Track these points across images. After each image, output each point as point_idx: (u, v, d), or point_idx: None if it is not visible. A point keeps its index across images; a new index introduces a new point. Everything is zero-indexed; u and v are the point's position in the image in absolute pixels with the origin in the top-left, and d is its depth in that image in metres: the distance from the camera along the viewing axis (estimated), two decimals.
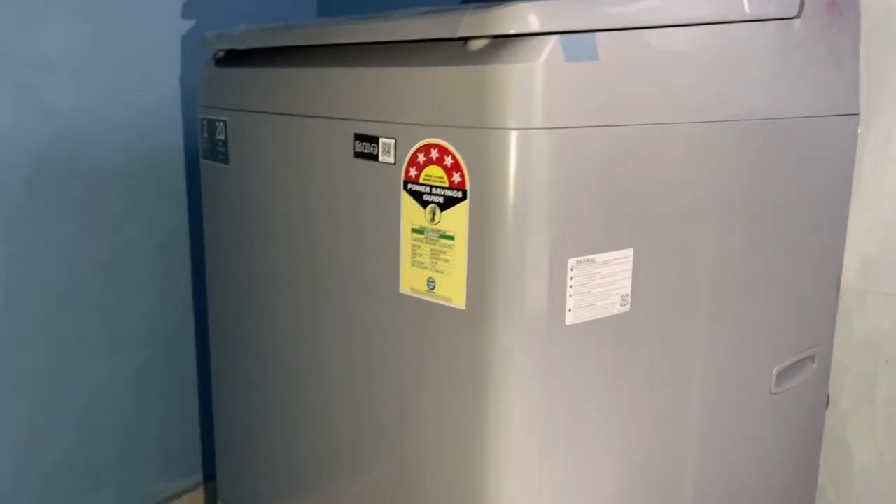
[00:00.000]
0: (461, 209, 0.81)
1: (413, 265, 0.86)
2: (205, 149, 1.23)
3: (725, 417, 1.06)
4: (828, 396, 1.47)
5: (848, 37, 1.14)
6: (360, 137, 0.89)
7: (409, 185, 0.85)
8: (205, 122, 1.21)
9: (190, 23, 1.57)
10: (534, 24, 0.77)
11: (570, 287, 0.83)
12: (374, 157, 0.88)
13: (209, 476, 1.72)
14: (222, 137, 1.15)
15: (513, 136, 0.77)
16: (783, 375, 1.15)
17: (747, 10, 0.94)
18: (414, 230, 0.86)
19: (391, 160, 0.86)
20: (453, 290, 0.83)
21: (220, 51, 1.21)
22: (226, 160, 1.15)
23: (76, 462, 1.50)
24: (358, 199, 0.92)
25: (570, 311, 0.83)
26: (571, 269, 0.83)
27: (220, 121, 1.15)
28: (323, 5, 1.89)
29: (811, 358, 1.22)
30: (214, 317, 1.28)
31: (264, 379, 1.15)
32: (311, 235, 1.00)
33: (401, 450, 0.93)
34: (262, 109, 1.05)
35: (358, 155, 0.90)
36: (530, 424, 0.84)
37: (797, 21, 1.02)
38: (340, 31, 0.92)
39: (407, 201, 0.86)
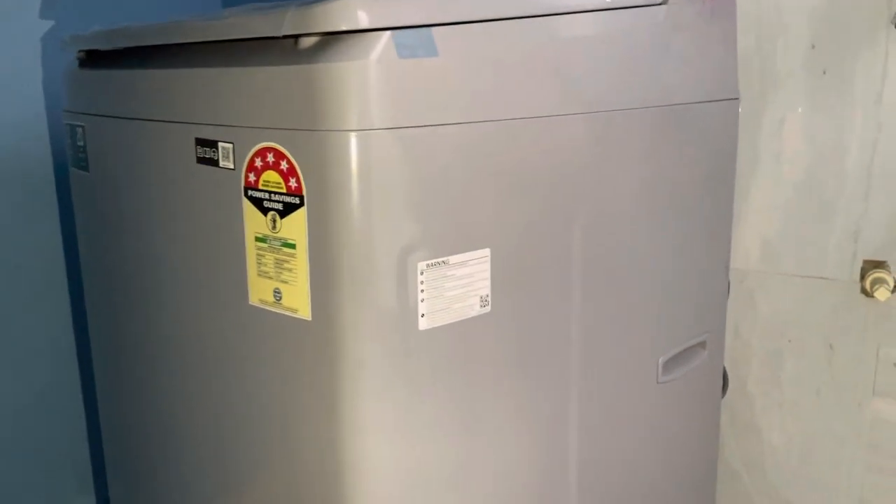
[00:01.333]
0: (300, 216, 0.77)
1: (259, 275, 0.82)
2: (70, 155, 1.17)
3: (609, 413, 1.04)
4: (725, 380, 1.47)
5: (722, 23, 1.13)
6: (200, 142, 0.85)
7: (250, 192, 0.81)
8: (68, 127, 1.15)
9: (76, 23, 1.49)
10: (363, 20, 0.73)
11: (422, 291, 0.80)
12: (216, 163, 0.84)
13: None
14: (82, 143, 1.10)
15: (347, 138, 0.73)
16: (671, 364, 1.14)
17: None
18: (257, 239, 0.81)
19: (231, 165, 0.82)
20: (298, 301, 0.79)
21: (80, 52, 1.15)
22: (86, 167, 1.09)
23: None
24: (204, 208, 0.88)
25: (423, 316, 0.80)
26: (422, 273, 0.79)
27: (79, 126, 1.10)
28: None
29: (702, 344, 1.21)
30: (93, 329, 1.22)
31: (138, 390, 1.10)
32: (164, 246, 0.96)
33: (262, 463, 0.90)
34: (114, 114, 1.00)
35: (200, 160, 0.86)
36: (389, 434, 0.81)
37: (663, 8, 1.00)
38: (177, 30, 0.87)
39: (248, 208, 0.82)
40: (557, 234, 0.92)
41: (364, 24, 0.73)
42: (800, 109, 1.42)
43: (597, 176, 0.95)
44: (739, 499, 1.64)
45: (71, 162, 1.18)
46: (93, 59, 1.12)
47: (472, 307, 0.84)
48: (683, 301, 1.15)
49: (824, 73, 1.38)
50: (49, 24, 1.47)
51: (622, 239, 1.01)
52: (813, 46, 1.38)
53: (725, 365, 1.57)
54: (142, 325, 1.05)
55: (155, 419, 1.08)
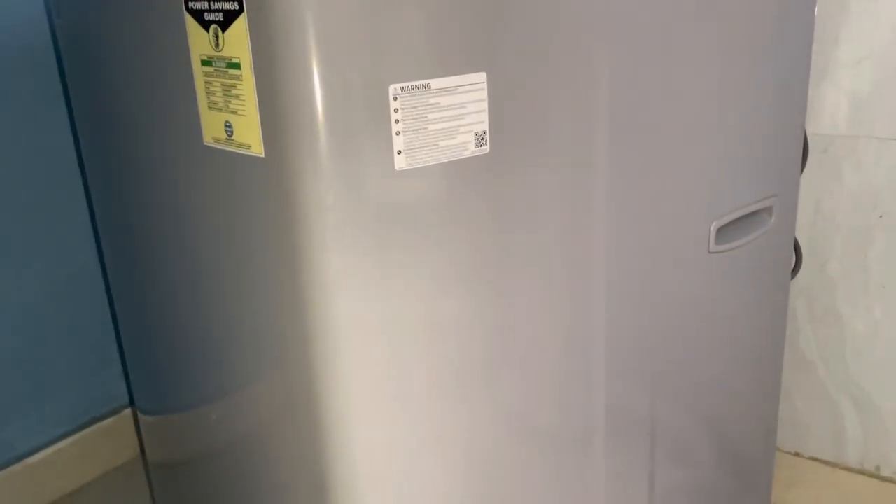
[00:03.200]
0: (240, 25, 0.63)
1: (210, 108, 0.69)
2: (53, 3, 1.06)
3: (644, 286, 0.89)
4: (798, 256, 1.28)
5: None
6: None
7: (190, 3, 0.67)
8: None
9: None
10: None
11: (397, 122, 0.65)
12: None
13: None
14: None
15: None
16: (726, 231, 0.96)
17: None
18: (203, 62, 0.68)
19: None
20: (250, 135, 0.66)
21: None
22: (59, 13, 0.98)
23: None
24: (153, 33, 0.74)
25: (399, 153, 0.66)
26: (395, 99, 0.65)
27: None
28: None
29: (767, 210, 1.02)
30: (94, 198, 1.14)
31: (139, 272, 1.01)
32: (126, 87, 0.83)
33: (238, 327, 0.79)
34: None
35: None
36: (362, 293, 0.68)
37: None
38: None
39: (191, 25, 0.68)
40: (580, 60, 0.75)
41: None
42: None
43: None
44: (813, 391, 1.47)
45: (54, 14, 1.07)
46: None
47: (465, 146, 0.69)
48: (744, 157, 0.97)
49: None
50: None
51: (664, 70, 0.83)
52: None
53: (801, 243, 1.37)
54: (126, 185, 0.95)
55: (148, 289, 0.99)
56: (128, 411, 1.61)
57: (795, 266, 1.32)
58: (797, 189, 1.08)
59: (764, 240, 1.03)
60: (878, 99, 1.27)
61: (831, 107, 1.32)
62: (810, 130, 1.32)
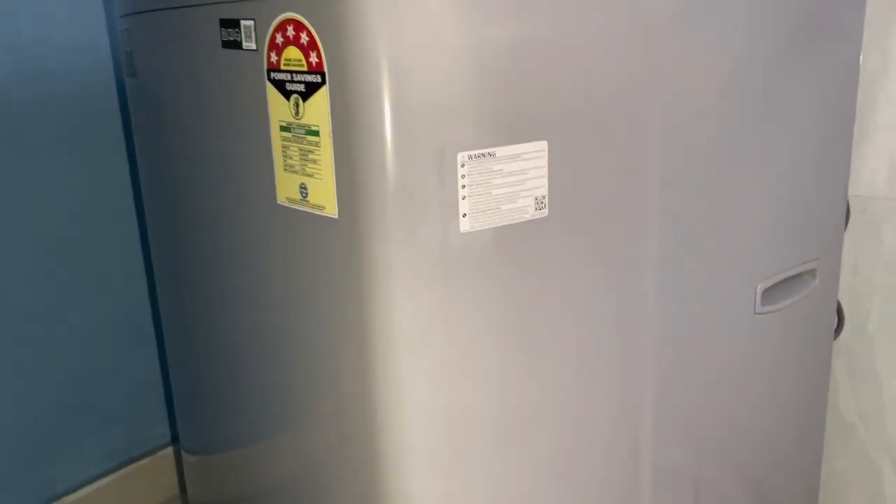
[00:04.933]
0: (322, 97, 0.67)
1: (286, 170, 0.74)
2: (124, 66, 1.12)
3: (692, 346, 0.91)
4: (840, 317, 1.29)
5: None
6: (224, 23, 0.76)
7: (272, 74, 0.72)
8: (120, 35, 1.10)
9: None
10: None
11: (463, 188, 0.69)
12: (239, 45, 0.75)
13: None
14: (129, 48, 1.04)
15: (371, 1, 0.63)
16: (772, 293, 0.99)
17: None
18: (282, 128, 0.73)
19: (253, 46, 0.73)
20: (324, 197, 0.70)
21: None
22: (134, 72, 1.04)
23: (44, 423, 1.45)
24: (231, 98, 0.79)
25: (464, 216, 0.70)
26: (462, 166, 0.68)
27: (125, 30, 1.04)
28: None
29: (811, 273, 1.04)
30: (152, 245, 1.19)
31: (189, 305, 1.05)
32: (197, 144, 0.88)
33: (302, 379, 0.82)
34: (148, 7, 0.93)
35: (225, 44, 0.77)
36: (424, 349, 0.71)
37: None
38: None
39: (272, 93, 0.73)
40: (634, 127, 0.79)
41: None
42: None
43: (686, 60, 0.81)
44: (853, 453, 1.47)
45: (125, 72, 1.13)
46: None
47: (525, 209, 0.73)
48: (790, 222, 0.99)
49: None
50: None
51: (715, 140, 0.87)
52: None
53: (842, 302, 1.38)
54: (191, 237, 0.99)
55: (203, 333, 1.02)
56: (165, 451, 1.64)
57: (838, 327, 1.33)
58: (840, 252, 1.10)
59: (807, 301, 1.05)
60: None
61: (871, 169, 1.34)
62: (850, 192, 1.34)
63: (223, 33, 0.77)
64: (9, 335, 1.35)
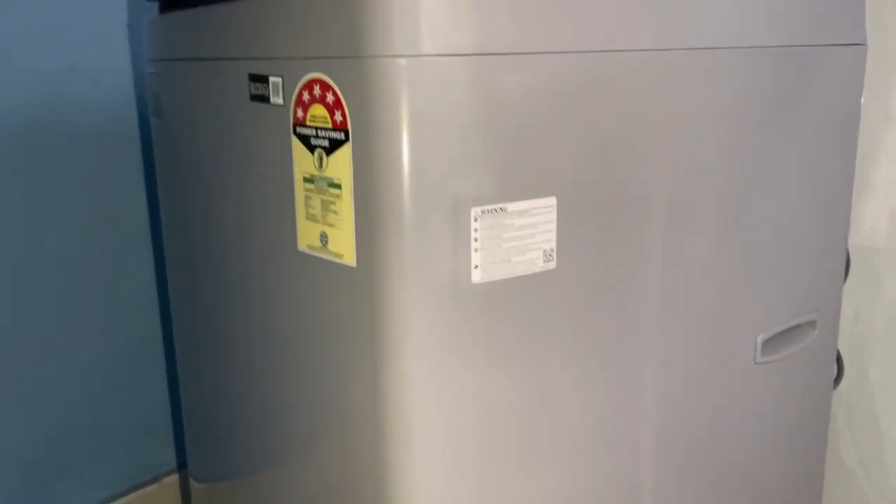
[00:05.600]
0: (345, 153, 0.71)
1: (307, 219, 0.77)
2: (150, 105, 1.17)
3: (693, 396, 0.94)
4: (840, 367, 1.32)
5: None
6: (253, 78, 0.81)
7: (298, 129, 0.76)
8: (149, 76, 1.15)
9: None
10: None
11: (476, 241, 0.73)
12: (267, 99, 0.79)
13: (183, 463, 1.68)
14: (157, 91, 1.09)
15: (392, 65, 0.67)
16: (772, 343, 1.01)
17: None
18: (305, 179, 0.76)
19: (280, 101, 0.77)
20: (343, 246, 0.74)
21: None
22: (159, 114, 1.08)
23: (52, 446, 1.47)
24: (258, 149, 0.84)
25: (476, 267, 0.73)
26: (476, 220, 0.72)
27: (154, 73, 1.09)
28: None
29: (811, 324, 1.07)
30: (170, 282, 1.22)
31: (210, 349, 1.09)
32: (223, 191, 0.92)
33: (313, 417, 0.85)
34: (178, 56, 0.98)
35: (253, 98, 0.81)
36: (435, 394, 0.75)
37: None
38: None
39: (297, 147, 0.77)
40: (639, 184, 0.83)
41: None
42: None
43: (689, 121, 0.85)
44: (854, 500, 1.48)
45: (150, 111, 1.18)
46: (171, 4, 1.10)
47: (534, 262, 0.76)
48: (791, 273, 1.02)
49: None
50: None
51: (717, 193, 0.90)
52: None
53: (842, 352, 1.41)
54: (208, 274, 1.03)
55: (219, 369, 1.06)
56: (171, 478, 1.66)
57: (837, 377, 1.35)
58: (840, 303, 1.13)
59: (807, 352, 1.07)
60: None
61: (871, 220, 1.37)
62: (850, 241, 1.37)
63: (252, 87, 0.81)
64: (19, 359, 1.38)
